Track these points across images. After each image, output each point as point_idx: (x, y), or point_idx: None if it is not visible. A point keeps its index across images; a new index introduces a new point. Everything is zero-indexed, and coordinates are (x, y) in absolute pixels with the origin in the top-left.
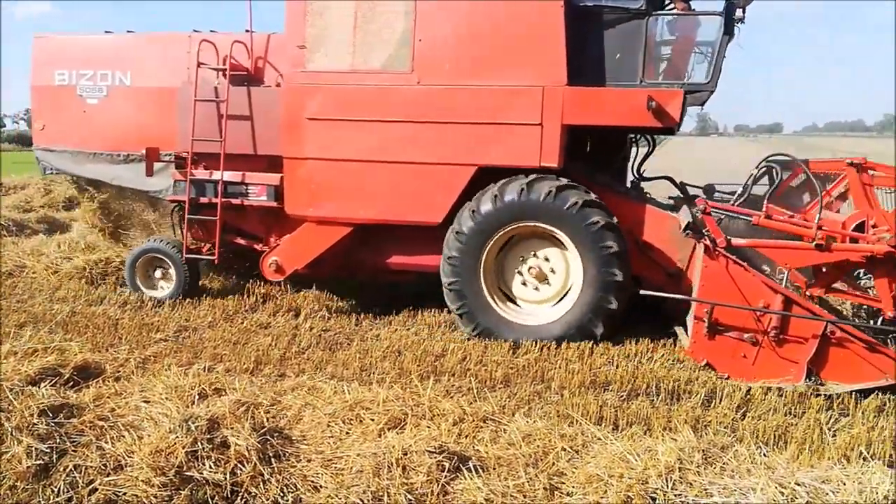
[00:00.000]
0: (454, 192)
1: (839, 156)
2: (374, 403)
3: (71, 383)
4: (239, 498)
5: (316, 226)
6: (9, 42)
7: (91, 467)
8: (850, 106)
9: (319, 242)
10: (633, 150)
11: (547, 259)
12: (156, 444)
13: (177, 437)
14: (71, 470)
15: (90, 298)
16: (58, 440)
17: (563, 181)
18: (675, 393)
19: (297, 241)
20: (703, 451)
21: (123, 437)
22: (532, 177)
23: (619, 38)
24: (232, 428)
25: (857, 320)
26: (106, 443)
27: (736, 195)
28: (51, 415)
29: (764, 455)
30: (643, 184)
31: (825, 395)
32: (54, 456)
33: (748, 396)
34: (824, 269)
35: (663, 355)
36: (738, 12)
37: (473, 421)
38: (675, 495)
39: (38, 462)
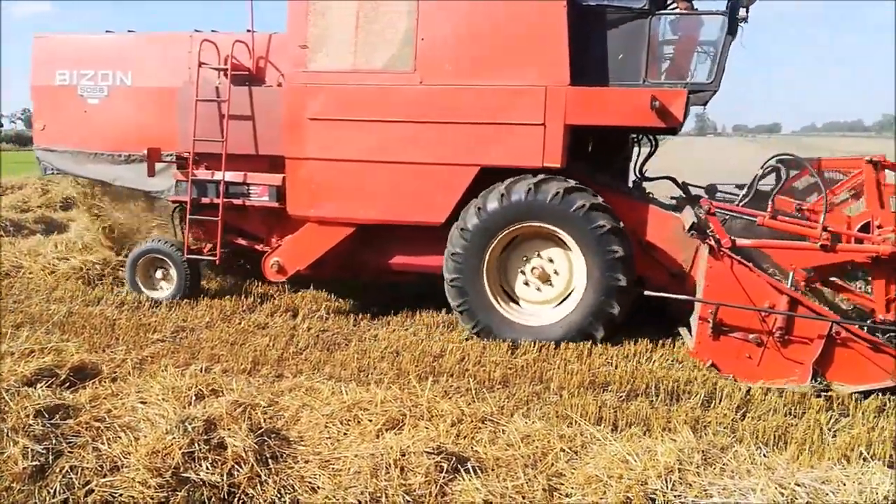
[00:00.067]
0: (456, 193)
1: (837, 155)
2: (372, 404)
3: (67, 384)
4: (236, 499)
5: (318, 226)
6: (7, 42)
7: (87, 468)
8: (849, 106)
9: (321, 243)
10: (635, 150)
11: (551, 260)
12: (152, 445)
13: (174, 438)
14: (67, 471)
15: (87, 299)
16: (54, 441)
17: (572, 183)
18: (674, 393)
19: (298, 241)
20: (703, 451)
21: (120, 438)
22: (540, 177)
23: (623, 38)
24: (229, 429)
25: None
26: (102, 444)
27: (741, 195)
28: (47, 416)
29: (764, 455)
30: (645, 184)
31: (827, 396)
32: (50, 457)
33: (748, 397)
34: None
35: (662, 356)
36: (742, 12)
37: (472, 421)
38: (675, 496)
39: (34, 463)
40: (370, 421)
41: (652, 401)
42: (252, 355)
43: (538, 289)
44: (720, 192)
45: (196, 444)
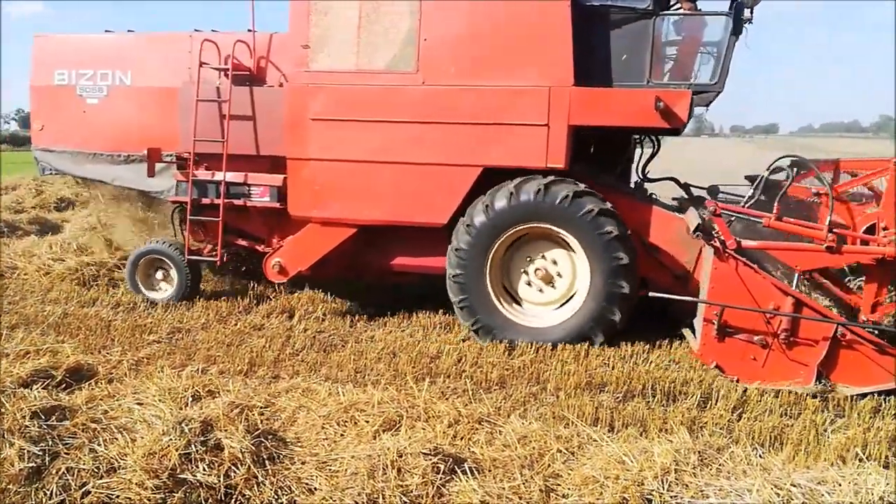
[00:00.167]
0: (459, 193)
1: (833, 156)
2: (368, 405)
3: (63, 385)
4: (233, 500)
5: (320, 227)
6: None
7: (84, 470)
8: (847, 107)
9: (323, 244)
10: (637, 151)
11: (555, 262)
12: (149, 446)
13: (170, 439)
14: (63, 472)
15: (82, 300)
16: (50, 443)
17: (581, 187)
18: (670, 394)
19: (300, 242)
20: (699, 452)
21: (116, 439)
22: (550, 178)
23: (626, 39)
24: (226, 430)
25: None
26: (99, 445)
27: (746, 197)
28: (43, 417)
29: (760, 456)
30: (646, 185)
31: (823, 397)
32: (47, 458)
33: (744, 398)
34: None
35: (659, 357)
36: (746, 12)
37: (469, 422)
38: (671, 497)
39: (30, 465)
40: (367, 422)
41: (648, 402)
42: (248, 356)
43: (540, 290)
44: (722, 193)
45: (193, 446)
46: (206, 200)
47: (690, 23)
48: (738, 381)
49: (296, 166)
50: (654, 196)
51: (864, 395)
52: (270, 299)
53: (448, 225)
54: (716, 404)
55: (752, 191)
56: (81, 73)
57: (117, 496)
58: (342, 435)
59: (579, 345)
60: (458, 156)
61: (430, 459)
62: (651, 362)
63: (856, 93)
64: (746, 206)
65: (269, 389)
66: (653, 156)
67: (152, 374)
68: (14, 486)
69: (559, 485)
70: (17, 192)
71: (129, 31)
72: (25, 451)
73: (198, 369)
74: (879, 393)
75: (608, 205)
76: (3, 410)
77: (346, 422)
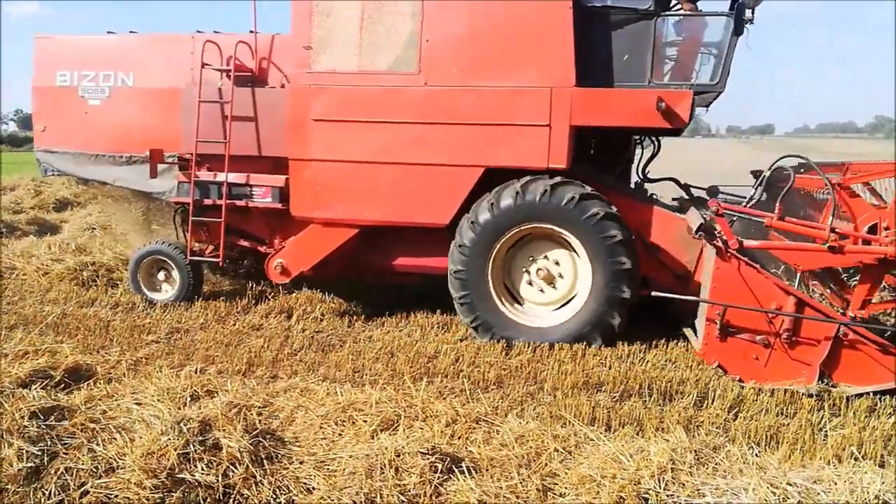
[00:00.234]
0: (461, 194)
1: (830, 157)
2: (366, 405)
3: (62, 385)
4: (231, 500)
5: (322, 227)
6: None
7: (82, 470)
8: (843, 107)
9: (325, 244)
10: (637, 151)
11: (557, 263)
12: (147, 446)
13: (169, 439)
14: (62, 472)
15: (81, 300)
16: (49, 442)
17: (588, 190)
18: (667, 393)
19: (302, 242)
20: (696, 451)
21: (115, 439)
22: (557, 179)
23: (628, 39)
24: (224, 430)
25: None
26: (97, 445)
27: (748, 197)
28: (42, 417)
29: (756, 455)
30: (646, 185)
31: (819, 396)
32: (45, 458)
33: (740, 397)
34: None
35: (655, 356)
36: (748, 13)
37: (466, 422)
38: (668, 495)
39: (28, 465)
40: (365, 422)
41: (645, 401)
42: (247, 356)
43: (541, 290)
44: (722, 193)
45: (191, 445)
46: (208, 201)
47: (691, 23)
48: (740, 380)
49: (298, 167)
50: (654, 196)
51: (859, 395)
52: (269, 299)
53: (450, 225)
54: (712, 403)
55: (753, 191)
56: (83, 74)
57: (116, 496)
58: (340, 434)
59: (576, 345)
60: (460, 156)
61: (428, 459)
62: (648, 362)
63: (852, 94)
64: (748, 205)
65: (268, 389)
66: (653, 156)
67: (151, 375)
68: (13, 486)
69: (556, 484)
70: (15, 193)
71: (130, 32)
72: (24, 451)
73: (196, 369)
74: (881, 392)
75: (613, 209)
76: (1, 410)
77: (344, 421)
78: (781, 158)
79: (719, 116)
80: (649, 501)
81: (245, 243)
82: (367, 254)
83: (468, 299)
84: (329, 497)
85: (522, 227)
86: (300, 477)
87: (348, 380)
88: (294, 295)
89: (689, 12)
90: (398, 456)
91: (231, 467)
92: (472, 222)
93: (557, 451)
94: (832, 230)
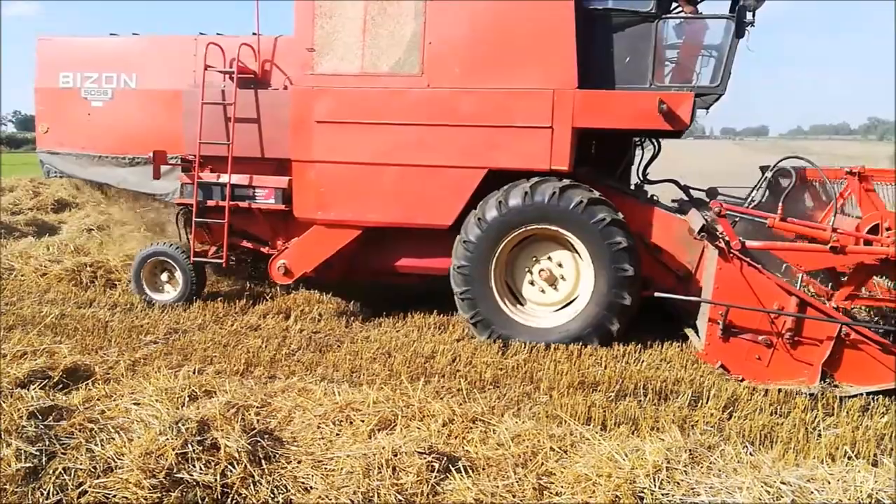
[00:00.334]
0: (464, 195)
1: (823, 158)
2: (364, 405)
3: (60, 386)
4: (229, 499)
5: (325, 229)
6: None
7: (81, 470)
8: (836, 108)
9: (328, 245)
10: (637, 152)
11: (560, 265)
12: (146, 446)
13: (167, 439)
14: (60, 472)
15: (79, 301)
16: (47, 443)
17: (595, 194)
18: (662, 393)
19: (305, 244)
20: (690, 450)
21: (113, 439)
22: (566, 182)
23: (629, 41)
24: (222, 430)
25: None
26: (95, 445)
27: (750, 198)
28: (40, 417)
29: (750, 454)
30: (645, 186)
31: (812, 396)
32: (43, 458)
33: (734, 396)
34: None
35: (651, 356)
36: (749, 15)
37: (463, 422)
38: (663, 494)
39: (27, 465)
40: (362, 421)
41: (640, 401)
42: (245, 357)
43: (542, 290)
44: (721, 195)
45: (189, 445)
46: (211, 203)
47: (693, 26)
48: (742, 380)
49: (301, 168)
50: (654, 197)
51: (863, 395)
52: (267, 300)
53: (453, 226)
54: (707, 403)
55: (755, 192)
56: (86, 75)
57: (114, 496)
58: (338, 434)
59: (572, 345)
60: (463, 158)
61: (425, 458)
62: (643, 362)
63: (845, 95)
64: (750, 206)
65: (266, 389)
66: (653, 158)
67: (149, 375)
68: (11, 487)
69: (552, 483)
70: (14, 194)
71: (133, 33)
72: (22, 452)
73: (194, 369)
74: (883, 392)
75: (620, 215)
76: (0, 411)
77: (341, 421)
78: (784, 160)
79: (713, 118)
80: (644, 500)
81: (248, 244)
82: (370, 255)
83: (469, 295)
84: (327, 496)
85: (529, 228)
86: (298, 476)
87: (346, 380)
88: (292, 295)
89: (690, 15)
90: (395, 455)
91: (229, 467)
92: (478, 219)
93: (553, 450)
94: (834, 230)
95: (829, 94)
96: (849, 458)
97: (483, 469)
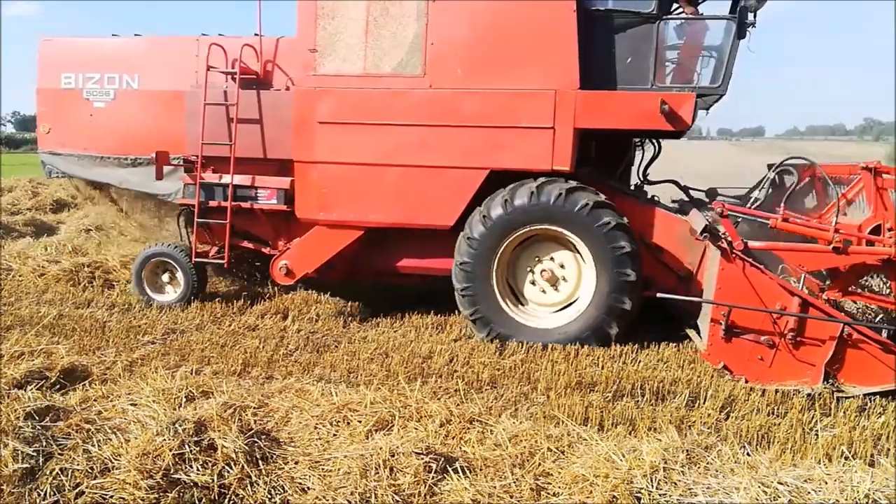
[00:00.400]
0: (466, 196)
1: (821, 159)
2: (361, 405)
3: (57, 386)
4: (226, 500)
5: (327, 229)
6: None
7: (78, 470)
8: (832, 109)
9: (330, 246)
10: (638, 153)
11: (562, 266)
12: (143, 446)
13: (164, 439)
14: (57, 473)
15: (77, 301)
16: (44, 443)
17: (601, 198)
18: (659, 393)
19: (307, 244)
20: (687, 450)
21: (110, 440)
22: (572, 184)
23: (631, 42)
24: (219, 430)
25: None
26: (93, 446)
27: (753, 198)
28: (37, 418)
29: (747, 455)
30: (645, 187)
31: (810, 396)
32: (40, 459)
33: (731, 397)
34: (841, 271)
35: (648, 356)
36: (750, 16)
37: (460, 422)
38: (660, 495)
39: (24, 465)
40: (360, 422)
41: (637, 401)
42: (242, 357)
43: (543, 291)
44: (721, 195)
45: (186, 446)
46: (213, 203)
47: (694, 26)
48: (746, 381)
49: (303, 169)
50: (656, 198)
51: (867, 395)
52: (264, 300)
53: (454, 227)
54: (704, 403)
55: (757, 192)
56: (88, 76)
57: (111, 496)
58: (335, 435)
59: (570, 344)
60: (465, 158)
61: (422, 459)
62: (640, 362)
63: (844, 96)
64: (752, 206)
65: (263, 390)
66: (653, 158)
67: (146, 375)
68: (8, 487)
69: (549, 483)
70: (13, 194)
71: (135, 34)
72: (19, 452)
73: (192, 370)
74: (886, 393)
75: (625, 220)
76: None
77: (338, 422)
78: (787, 160)
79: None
80: (641, 501)
81: (250, 245)
82: (372, 255)
83: (470, 291)
84: (324, 497)
85: (533, 228)
86: (295, 477)
87: (343, 380)
88: (289, 296)
89: (693, 16)
90: (393, 456)
91: (226, 468)
92: (483, 216)
93: (551, 450)
94: (836, 231)
95: (829, 95)
96: (846, 458)
97: (480, 469)
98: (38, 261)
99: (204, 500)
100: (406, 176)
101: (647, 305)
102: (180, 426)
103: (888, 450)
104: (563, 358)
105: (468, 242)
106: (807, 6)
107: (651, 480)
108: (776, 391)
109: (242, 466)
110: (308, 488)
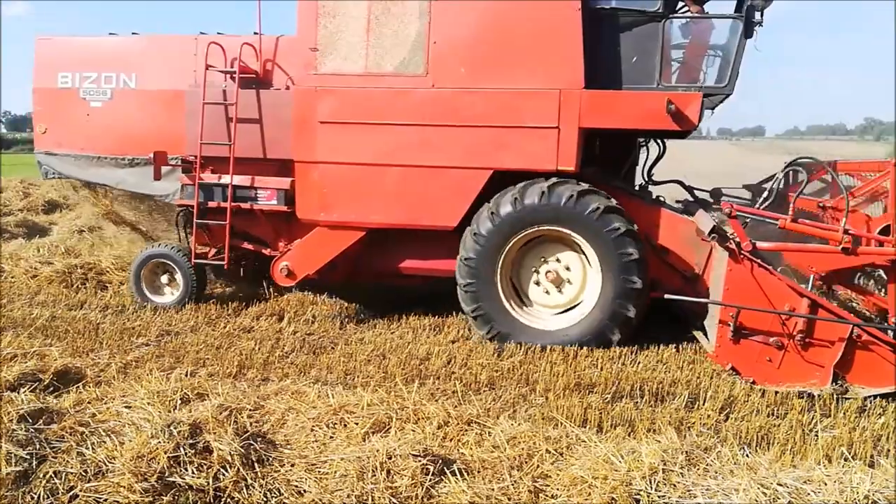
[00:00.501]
0: (469, 196)
1: (824, 158)
2: (358, 407)
3: (51, 388)
4: (222, 503)
5: (328, 230)
6: None
7: (71, 473)
8: (832, 108)
9: (331, 247)
10: (642, 153)
11: (568, 268)
12: (137, 449)
13: (159, 442)
14: (51, 476)
15: (70, 303)
16: (38, 446)
17: (612, 202)
18: (658, 395)
19: (308, 245)
20: (687, 452)
21: (104, 442)
22: (584, 186)
23: (636, 41)
24: (215, 433)
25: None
26: (87, 448)
27: (762, 198)
28: (30, 420)
29: (746, 456)
30: (650, 187)
31: (810, 396)
32: (34, 462)
33: (731, 398)
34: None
35: (647, 357)
36: (757, 15)
37: (458, 424)
38: (659, 496)
39: (17, 468)
40: (356, 424)
41: (636, 402)
42: (238, 359)
43: (546, 292)
44: (725, 195)
45: (181, 448)
46: (212, 204)
47: (700, 26)
48: (754, 383)
49: (304, 169)
50: (662, 198)
51: (875, 396)
52: (260, 301)
53: (458, 228)
54: (703, 405)
55: (766, 193)
56: (85, 75)
57: (105, 499)
58: (331, 437)
59: (568, 346)
60: (469, 159)
61: (420, 461)
62: (639, 363)
63: (845, 95)
64: (761, 207)
65: (259, 392)
66: (658, 158)
67: (141, 377)
68: (1, 490)
69: (548, 485)
70: (4, 195)
71: (133, 33)
72: (12, 455)
73: (187, 372)
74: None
75: (635, 226)
76: None
77: (335, 424)
78: (795, 160)
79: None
80: (640, 502)
81: (249, 246)
82: (374, 256)
83: (474, 288)
84: (320, 500)
85: (541, 228)
86: (291, 480)
87: (340, 382)
88: (285, 297)
89: (699, 15)
90: (390, 458)
91: (222, 470)
92: (492, 213)
93: (549, 452)
94: (846, 231)
95: (829, 95)
96: (845, 459)
97: (478, 472)
98: (31, 262)
99: (199, 503)
100: (408, 176)
101: (656, 306)
102: (175, 428)
103: (888, 451)
104: (561, 359)
105: (475, 238)
106: (807, 6)
107: (650, 482)
108: (775, 392)
109: (238, 469)
110: (304, 491)
